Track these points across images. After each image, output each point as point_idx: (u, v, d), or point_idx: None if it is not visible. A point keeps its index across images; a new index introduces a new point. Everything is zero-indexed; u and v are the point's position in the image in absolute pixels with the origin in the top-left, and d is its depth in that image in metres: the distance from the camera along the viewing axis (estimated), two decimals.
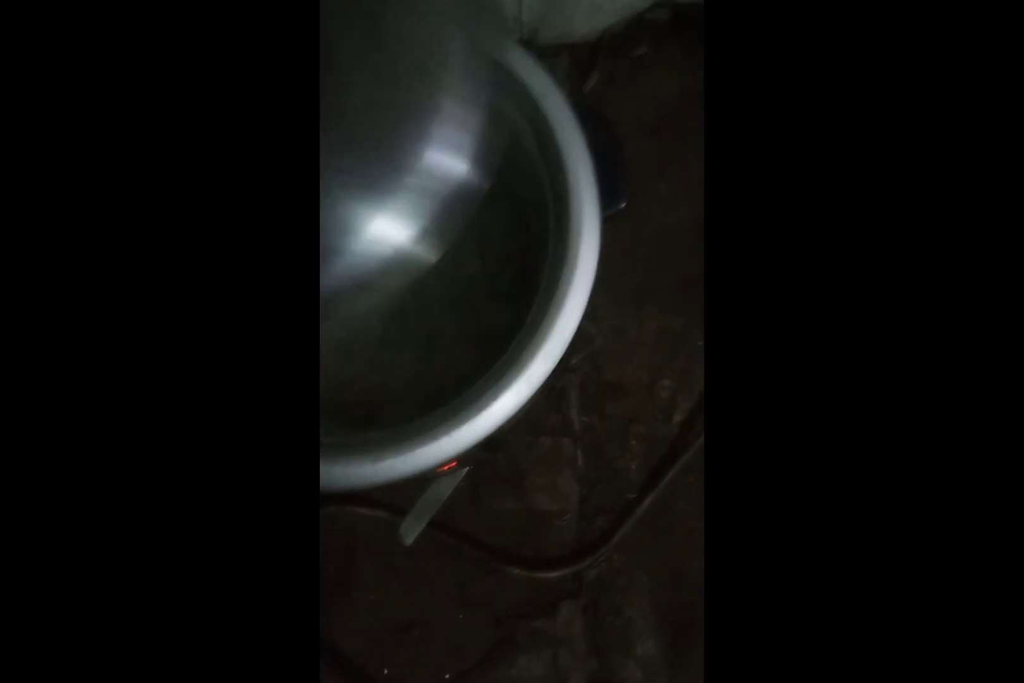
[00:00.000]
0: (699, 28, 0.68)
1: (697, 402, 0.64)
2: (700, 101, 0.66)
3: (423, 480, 0.59)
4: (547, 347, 0.39)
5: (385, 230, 0.33)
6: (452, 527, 0.61)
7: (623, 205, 0.46)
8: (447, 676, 0.61)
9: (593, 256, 0.40)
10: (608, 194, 0.44)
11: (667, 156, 0.66)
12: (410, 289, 0.52)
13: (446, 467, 0.42)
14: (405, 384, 0.52)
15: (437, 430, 0.39)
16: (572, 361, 0.63)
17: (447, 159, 0.33)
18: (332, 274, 0.32)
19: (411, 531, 0.54)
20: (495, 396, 0.39)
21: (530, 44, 0.68)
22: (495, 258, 0.53)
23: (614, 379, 0.64)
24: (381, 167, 0.32)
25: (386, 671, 0.62)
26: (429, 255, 0.36)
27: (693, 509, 0.62)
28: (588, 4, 0.64)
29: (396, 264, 0.34)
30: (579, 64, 0.69)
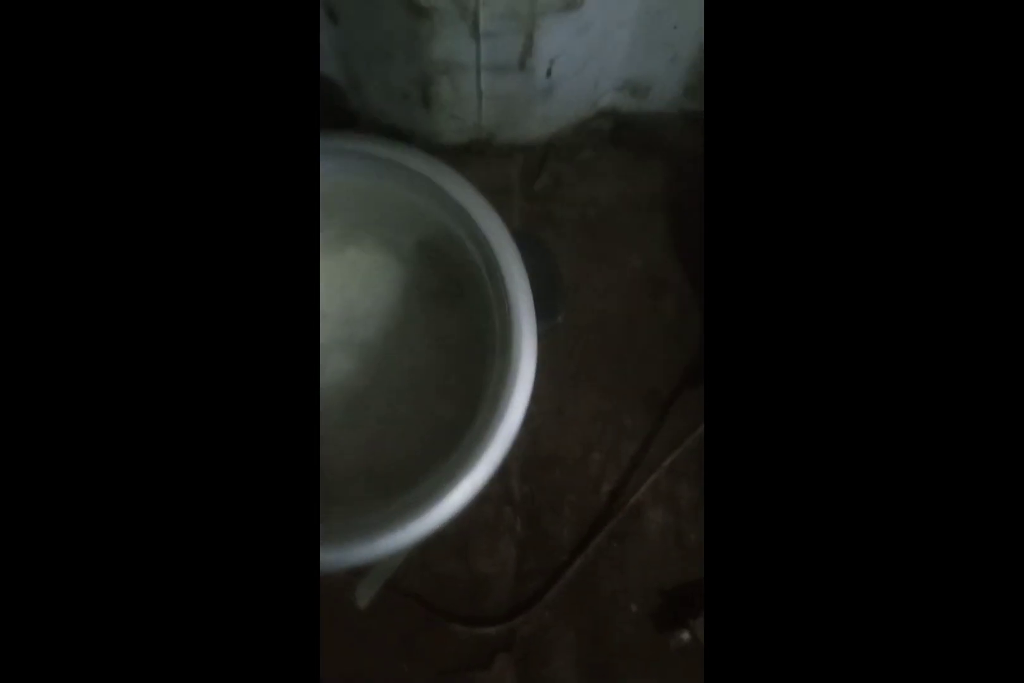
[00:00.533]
0: (637, 136, 0.77)
1: (622, 474, 0.71)
2: (633, 204, 0.75)
3: None
4: (491, 453, 0.46)
5: None
6: (399, 587, 0.67)
7: (560, 319, 0.54)
8: None
9: (530, 376, 0.47)
10: (547, 311, 0.52)
11: (604, 253, 0.74)
12: (370, 376, 0.59)
13: None
14: (357, 465, 0.58)
15: (394, 523, 0.45)
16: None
17: None
18: None
19: (365, 595, 0.59)
20: (444, 495, 0.46)
21: (487, 144, 0.76)
22: (446, 351, 0.60)
23: (551, 452, 0.71)
24: None
25: None
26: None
27: (616, 572, 0.69)
28: (539, 115, 0.72)
29: None
30: (530, 165, 0.77)
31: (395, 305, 0.60)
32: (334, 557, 0.45)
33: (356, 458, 0.57)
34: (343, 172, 0.52)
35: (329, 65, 0.66)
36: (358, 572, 0.65)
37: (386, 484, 0.56)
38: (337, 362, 0.59)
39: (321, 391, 0.58)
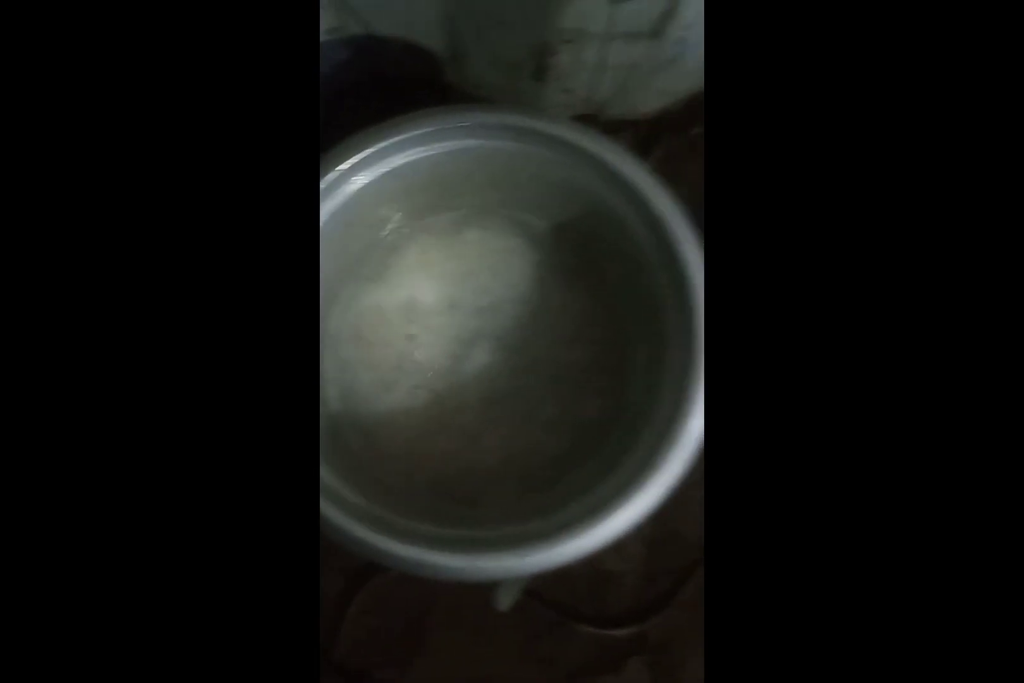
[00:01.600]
0: None
1: None
2: None
3: None
4: (680, 453, 0.42)
5: None
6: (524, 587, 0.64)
7: None
8: None
9: None
10: None
11: None
12: (509, 369, 0.55)
13: None
14: (500, 464, 0.55)
15: (577, 529, 0.42)
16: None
17: None
18: None
19: (507, 597, 0.56)
20: (630, 498, 0.42)
21: (594, 119, 0.72)
22: (590, 342, 0.56)
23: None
24: None
25: None
26: None
27: None
28: (656, 88, 0.68)
29: None
30: (639, 141, 0.73)
31: (530, 292, 0.56)
32: (490, 566, 0.42)
33: (500, 456, 0.54)
34: (483, 149, 0.48)
35: (431, 34, 0.62)
36: None
37: (534, 484, 0.52)
38: (469, 353, 0.55)
39: (459, 384, 0.55)
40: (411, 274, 0.56)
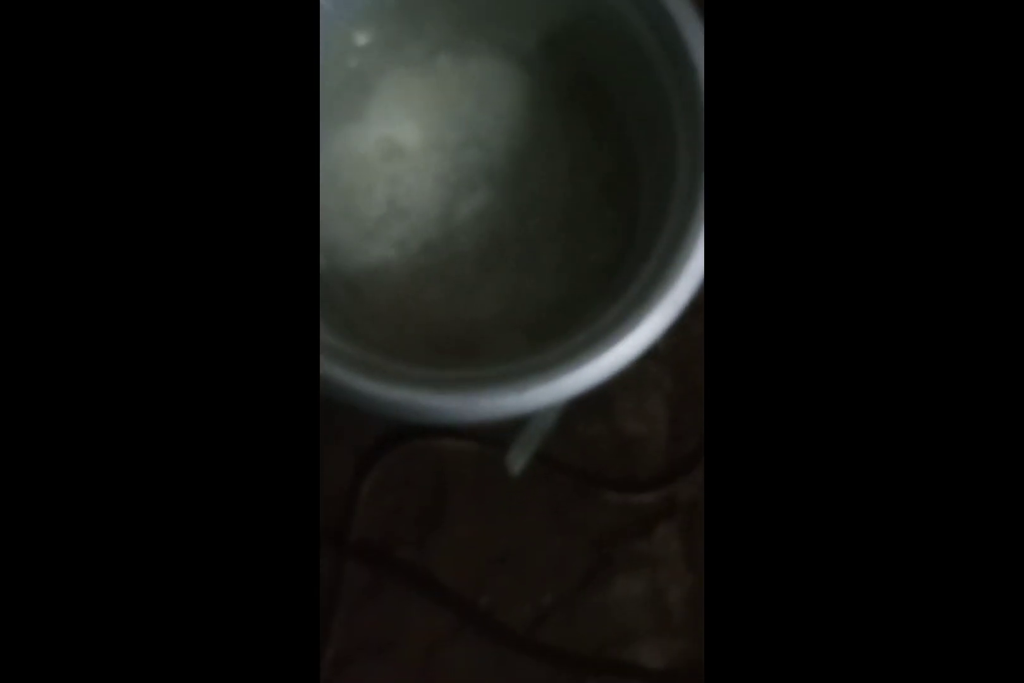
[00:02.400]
0: None
1: None
2: None
3: None
4: (687, 273, 0.37)
5: None
6: (543, 454, 0.61)
7: None
8: (547, 600, 0.62)
9: None
10: None
11: None
12: (504, 210, 0.50)
13: None
14: (501, 315, 0.51)
15: (580, 358, 0.37)
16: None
17: None
18: None
19: (518, 460, 0.53)
20: (639, 321, 0.37)
21: None
22: (592, 174, 0.50)
23: (698, 297, 0.62)
24: None
25: (484, 599, 0.62)
26: None
27: None
28: None
29: None
30: None
31: (522, 122, 0.50)
32: (487, 404, 0.38)
33: (500, 306, 0.49)
34: None
35: None
36: (506, 443, 0.59)
37: (541, 333, 0.48)
38: (461, 196, 0.50)
39: (452, 232, 0.50)
40: (388, 110, 0.50)
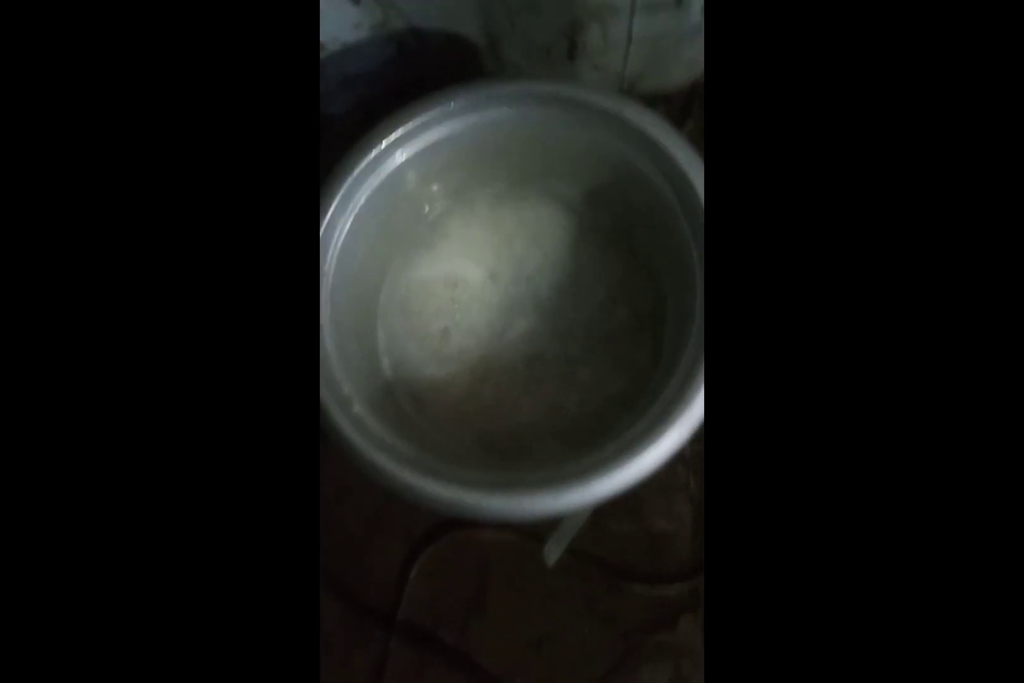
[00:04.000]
0: None
1: None
2: None
3: None
4: (693, 409, 0.44)
5: None
6: (577, 549, 0.66)
7: None
8: None
9: None
10: None
11: None
12: (548, 333, 0.58)
13: None
14: (541, 421, 0.57)
15: (610, 467, 0.44)
16: None
17: None
18: None
19: (554, 553, 0.59)
20: (661, 434, 0.44)
21: (628, 95, 0.74)
22: (623, 301, 0.58)
23: None
24: None
25: (519, 681, 0.67)
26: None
27: None
28: (686, 58, 0.69)
29: None
30: (673, 114, 0.74)
31: (566, 259, 0.58)
32: (528, 505, 0.44)
33: (542, 416, 0.56)
34: (515, 119, 0.51)
35: (470, 26, 0.65)
36: (542, 536, 0.64)
37: (577, 441, 0.54)
38: (512, 320, 0.58)
39: (503, 350, 0.57)
40: (453, 248, 0.59)
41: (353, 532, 0.69)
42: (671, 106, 0.74)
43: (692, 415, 0.43)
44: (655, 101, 0.74)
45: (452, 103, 0.49)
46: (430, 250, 0.59)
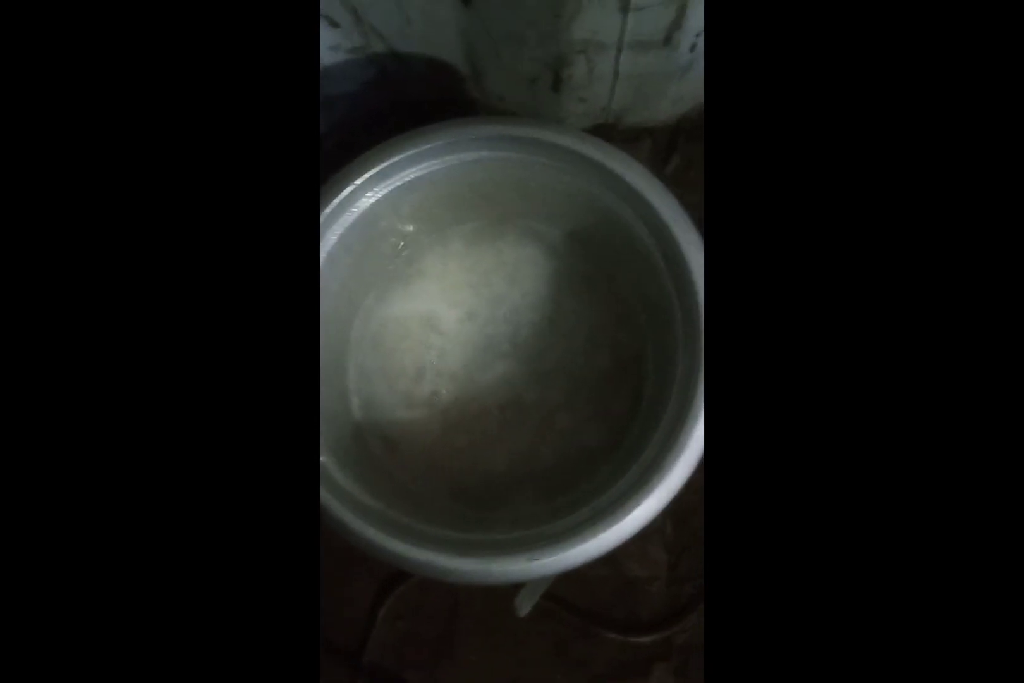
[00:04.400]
0: None
1: None
2: None
3: None
4: (686, 456, 0.43)
5: None
6: (551, 593, 0.65)
7: None
8: None
9: None
10: None
11: None
12: (525, 375, 0.56)
13: None
14: (517, 469, 0.56)
15: (585, 533, 0.42)
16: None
17: None
18: None
19: (526, 603, 0.57)
20: (637, 502, 0.42)
21: (613, 128, 0.73)
22: (603, 346, 0.57)
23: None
24: None
25: None
26: None
27: None
28: (672, 95, 0.68)
29: None
30: (658, 149, 0.73)
31: (546, 301, 0.57)
32: (499, 570, 0.42)
33: (515, 460, 0.55)
34: (493, 161, 0.49)
35: (454, 53, 0.64)
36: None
37: (553, 490, 0.53)
38: (488, 362, 0.56)
39: (478, 393, 0.56)
40: (429, 285, 0.57)
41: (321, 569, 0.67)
42: (657, 141, 0.73)
43: (672, 481, 0.42)
44: (640, 135, 0.73)
45: (429, 144, 0.47)
46: (405, 287, 0.57)
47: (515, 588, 0.63)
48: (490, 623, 0.66)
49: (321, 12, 0.53)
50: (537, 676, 0.65)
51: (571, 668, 0.65)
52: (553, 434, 0.55)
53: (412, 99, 0.72)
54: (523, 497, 0.53)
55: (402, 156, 0.48)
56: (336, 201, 0.48)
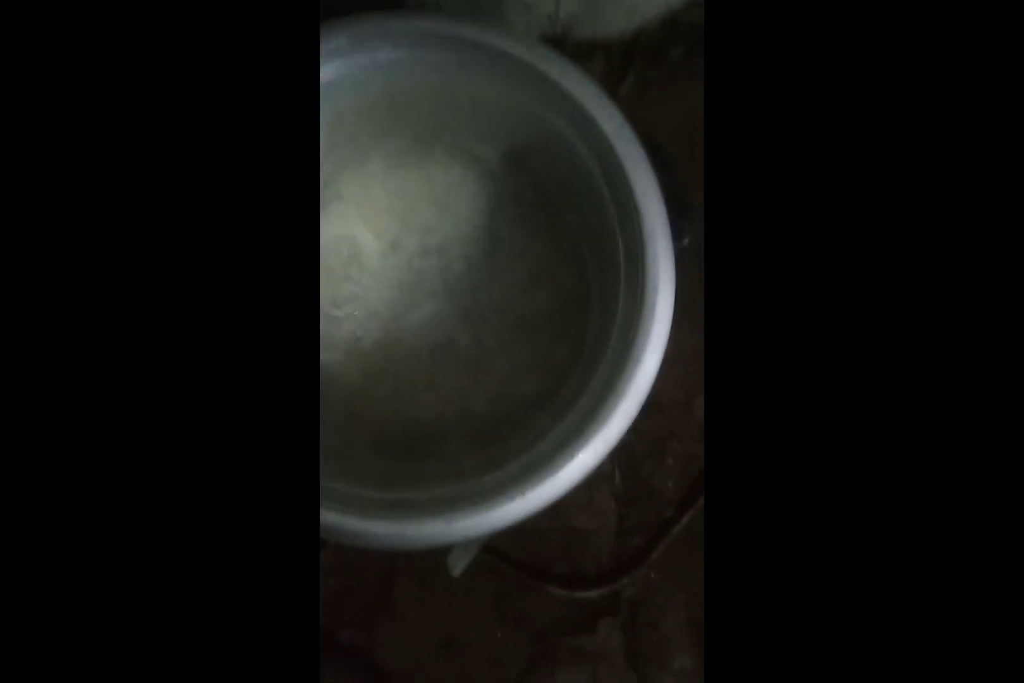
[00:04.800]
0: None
1: None
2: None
3: None
4: (624, 406, 0.38)
5: None
6: (490, 545, 0.61)
7: (686, 243, 0.45)
8: None
9: (667, 314, 0.39)
10: (672, 232, 0.42)
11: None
12: (456, 316, 0.51)
13: None
14: (449, 419, 0.51)
15: (510, 490, 0.38)
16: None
17: None
18: None
19: (459, 562, 0.53)
20: (571, 456, 0.38)
21: (562, 41, 0.65)
22: (544, 282, 0.51)
23: (650, 396, 0.63)
24: None
25: None
26: None
27: None
28: (626, 4, 0.61)
29: None
30: (612, 66, 0.66)
31: (479, 229, 0.51)
32: (414, 533, 0.38)
33: (447, 410, 0.50)
34: (414, 64, 0.43)
35: None
36: None
37: (482, 439, 0.48)
38: (416, 300, 0.51)
39: (405, 334, 0.50)
40: (348, 210, 0.51)
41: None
42: (610, 58, 0.66)
43: (610, 432, 0.37)
44: (592, 51, 0.66)
45: (334, 40, 0.40)
46: (321, 213, 0.51)
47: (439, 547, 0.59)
48: (429, 579, 0.62)
49: None
50: (478, 633, 0.62)
51: (512, 624, 0.62)
52: (487, 380, 0.50)
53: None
54: (453, 448, 0.49)
55: None
56: None
